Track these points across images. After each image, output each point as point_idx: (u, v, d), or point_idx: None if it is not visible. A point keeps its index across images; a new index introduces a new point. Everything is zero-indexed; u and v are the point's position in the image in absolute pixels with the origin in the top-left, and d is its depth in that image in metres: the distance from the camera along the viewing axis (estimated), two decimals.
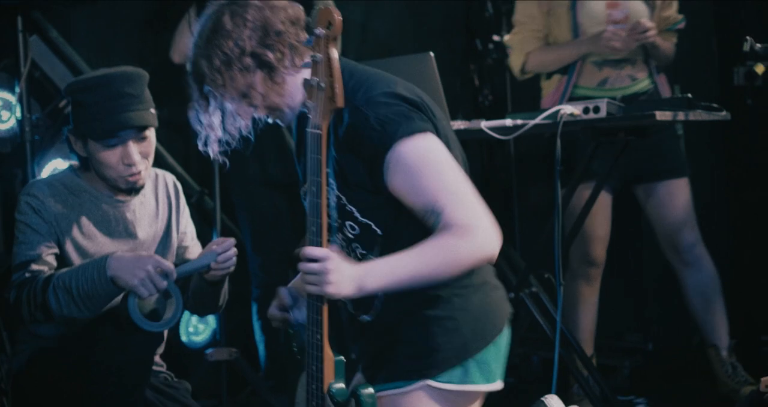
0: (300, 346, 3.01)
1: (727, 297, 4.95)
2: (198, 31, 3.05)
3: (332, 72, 2.84)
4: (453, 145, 3.01)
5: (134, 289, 3.30)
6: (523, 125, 4.38)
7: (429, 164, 2.88)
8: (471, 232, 2.83)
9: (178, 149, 5.72)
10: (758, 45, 3.23)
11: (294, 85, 3.00)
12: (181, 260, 3.71)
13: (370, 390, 2.89)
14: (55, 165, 4.96)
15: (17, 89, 4.77)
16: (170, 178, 3.78)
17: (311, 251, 2.83)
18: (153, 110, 3.55)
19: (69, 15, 5.58)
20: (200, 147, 3.09)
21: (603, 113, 4.31)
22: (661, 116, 4.24)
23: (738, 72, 3.66)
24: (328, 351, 2.90)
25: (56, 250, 3.48)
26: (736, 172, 5.66)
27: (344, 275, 2.81)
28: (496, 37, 6.29)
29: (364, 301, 2.99)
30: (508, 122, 4.45)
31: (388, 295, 2.98)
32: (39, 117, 4.93)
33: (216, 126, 3.04)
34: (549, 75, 5.05)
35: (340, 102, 2.84)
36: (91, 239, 3.53)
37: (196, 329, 5.52)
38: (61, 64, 5.23)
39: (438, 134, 2.94)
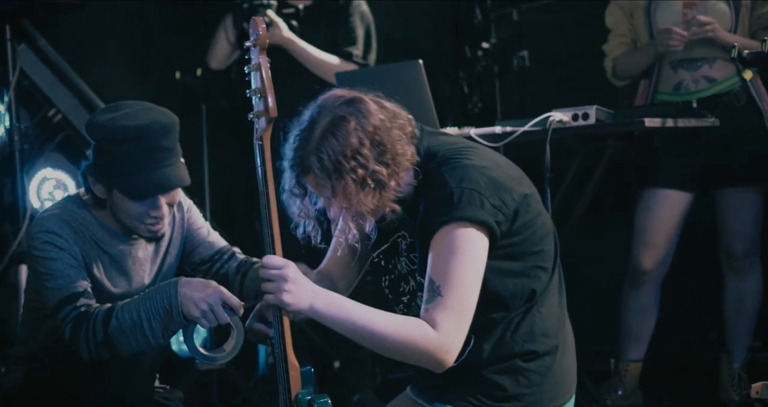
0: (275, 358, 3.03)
1: None
2: (310, 119, 2.96)
3: (264, 81, 2.89)
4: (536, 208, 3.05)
5: (196, 320, 3.23)
6: (512, 132, 4.38)
7: (463, 255, 2.88)
8: (441, 346, 2.86)
9: None
10: (746, 51, 3.23)
11: (392, 198, 2.98)
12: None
13: (326, 400, 2.92)
14: (45, 174, 4.95)
15: (6, 98, 4.75)
16: None
17: (271, 259, 2.87)
18: (182, 160, 3.40)
19: (58, 23, 5.58)
20: (296, 232, 3.06)
21: (592, 120, 4.31)
22: (650, 122, 4.24)
23: None
24: (293, 360, 2.94)
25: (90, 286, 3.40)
26: None
27: (302, 286, 2.85)
28: (485, 44, 6.29)
29: None
30: (498, 129, 4.45)
31: (482, 339, 3.03)
32: (28, 126, 4.90)
33: (311, 213, 3.02)
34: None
35: (273, 112, 2.88)
36: (109, 279, 3.45)
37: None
38: (50, 73, 5.21)
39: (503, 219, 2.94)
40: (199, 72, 5.40)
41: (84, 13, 5.25)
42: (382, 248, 3.19)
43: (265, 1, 5.15)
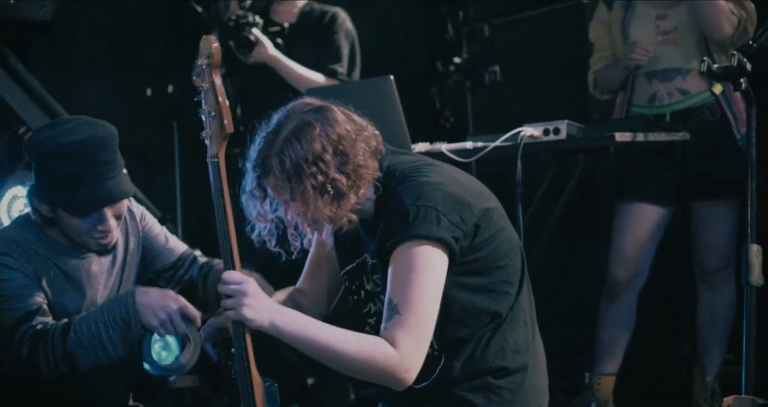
0: (235, 373, 3.03)
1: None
2: (276, 123, 2.97)
3: (218, 100, 2.92)
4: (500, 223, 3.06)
5: (154, 330, 3.24)
6: (483, 148, 4.39)
7: (420, 273, 2.88)
8: (401, 364, 2.86)
9: (141, 175, 5.71)
10: (715, 66, 3.24)
11: (351, 209, 2.98)
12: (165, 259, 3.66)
13: None
14: (15, 193, 4.92)
15: None
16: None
17: (230, 274, 2.89)
18: (125, 171, 3.38)
19: (29, 41, 5.56)
20: (250, 233, 3.05)
21: (563, 135, 4.32)
22: (621, 137, 4.26)
23: None
24: (256, 376, 2.96)
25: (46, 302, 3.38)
26: None
27: (262, 302, 2.87)
28: (456, 59, 6.30)
29: (422, 371, 2.95)
30: (469, 144, 4.46)
31: (452, 358, 3.03)
32: None
33: (269, 216, 3.01)
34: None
35: (229, 128, 2.91)
36: (63, 294, 3.42)
37: (160, 356, 5.48)
38: (21, 90, 5.19)
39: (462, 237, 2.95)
40: (170, 89, 5.39)
41: (55, 30, 5.25)
42: (347, 268, 3.19)
43: (250, 19, 5.16)
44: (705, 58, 3.29)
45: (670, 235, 4.97)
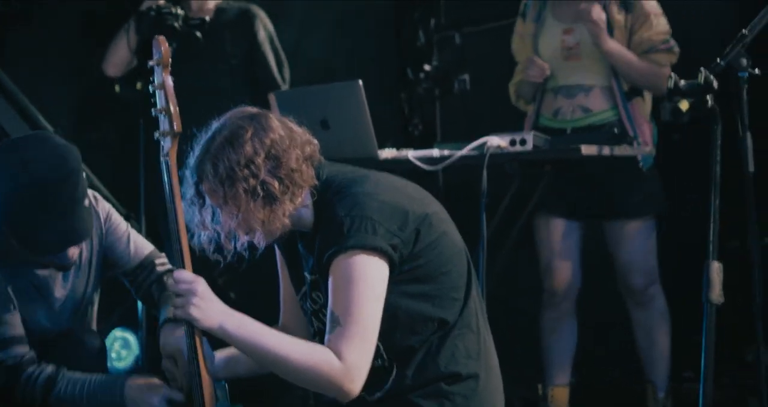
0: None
1: None
2: (213, 130, 3.01)
3: (168, 99, 2.98)
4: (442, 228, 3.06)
5: None
6: (449, 156, 4.38)
7: (358, 283, 2.89)
8: (346, 374, 2.86)
9: (106, 171, 5.68)
10: (682, 82, 3.25)
11: (285, 215, 3.00)
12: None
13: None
14: None
15: None
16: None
17: (181, 274, 2.92)
18: (86, 202, 3.34)
19: (1, 36, 5.54)
20: (190, 240, 3.05)
21: (530, 146, 4.32)
22: (587, 150, 4.26)
23: (665, 108, 3.69)
24: (206, 376, 2.98)
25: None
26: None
27: (211, 303, 2.88)
28: (427, 67, 6.30)
29: (375, 382, 2.99)
30: (435, 152, 4.46)
31: (404, 367, 3.04)
32: None
33: (208, 224, 3.02)
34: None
35: (177, 127, 2.97)
36: (32, 302, 3.42)
37: (119, 355, 5.46)
38: None
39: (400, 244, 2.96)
40: (139, 86, 5.36)
41: (24, 24, 5.22)
42: (301, 291, 3.21)
43: (173, 10, 5.13)
44: (672, 73, 3.29)
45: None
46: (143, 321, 5.25)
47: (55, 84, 5.76)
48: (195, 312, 2.87)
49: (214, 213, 3.01)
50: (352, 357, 2.85)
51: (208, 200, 2.99)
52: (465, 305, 3.08)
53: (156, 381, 3.33)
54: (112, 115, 5.90)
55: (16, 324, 3.34)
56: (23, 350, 3.34)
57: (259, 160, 2.93)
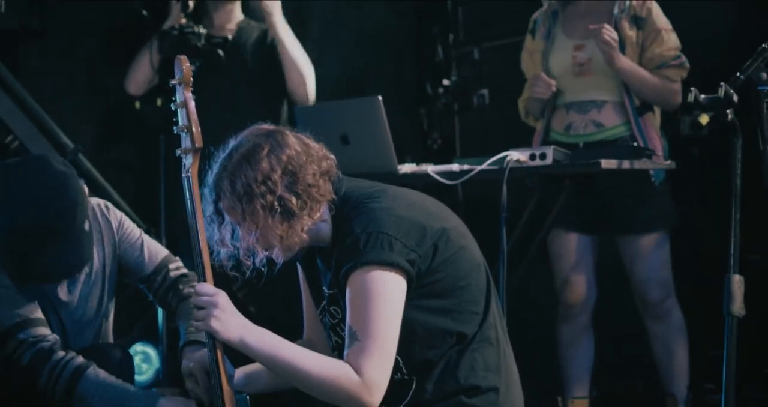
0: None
1: None
2: (231, 148, 3.05)
3: (189, 116, 3.02)
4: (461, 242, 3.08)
5: None
6: (469, 171, 4.39)
7: (374, 299, 2.91)
8: (365, 388, 2.88)
9: (126, 187, 5.70)
10: (702, 96, 3.26)
11: (303, 230, 3.02)
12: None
13: None
14: None
15: None
16: (96, 206, 3.62)
17: (203, 287, 2.95)
18: (86, 225, 3.37)
19: (18, 49, 5.56)
20: (211, 258, 3.08)
21: (549, 160, 4.33)
22: (606, 164, 4.26)
23: (684, 122, 3.69)
24: (227, 388, 3.00)
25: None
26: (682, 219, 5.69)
27: (231, 316, 2.92)
28: (446, 82, 6.32)
29: (395, 395, 3.01)
30: (455, 167, 4.47)
31: (424, 380, 3.05)
32: None
33: (227, 242, 3.05)
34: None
35: (198, 142, 3.00)
36: (49, 315, 3.44)
37: (140, 368, 5.47)
38: (9, 99, 5.19)
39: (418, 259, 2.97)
40: (159, 102, 5.38)
41: (45, 40, 5.24)
42: (320, 306, 3.23)
43: (196, 30, 5.16)
44: (692, 88, 3.30)
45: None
46: (163, 335, 5.26)
47: (76, 101, 5.78)
48: (216, 325, 2.90)
49: (233, 230, 3.03)
50: (371, 371, 2.87)
51: (227, 218, 3.02)
52: (484, 318, 3.09)
53: (191, 402, 3.33)
54: (133, 132, 5.92)
55: (36, 310, 3.36)
56: (46, 331, 3.35)
57: (276, 176, 2.96)
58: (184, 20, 5.24)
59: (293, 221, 2.98)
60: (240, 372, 3.27)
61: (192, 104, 3.03)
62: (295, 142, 3.04)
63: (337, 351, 3.14)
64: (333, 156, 3.12)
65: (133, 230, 3.66)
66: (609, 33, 4.70)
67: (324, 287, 3.15)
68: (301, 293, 3.38)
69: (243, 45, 5.37)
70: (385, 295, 2.92)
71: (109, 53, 5.84)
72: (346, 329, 2.93)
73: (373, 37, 6.48)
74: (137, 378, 5.44)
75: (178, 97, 3.04)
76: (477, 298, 3.09)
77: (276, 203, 2.95)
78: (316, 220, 3.02)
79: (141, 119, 5.51)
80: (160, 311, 5.12)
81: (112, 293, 3.63)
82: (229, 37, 5.32)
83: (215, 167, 3.04)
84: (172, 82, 3.05)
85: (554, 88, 4.86)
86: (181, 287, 3.64)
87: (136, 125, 5.67)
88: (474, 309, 3.07)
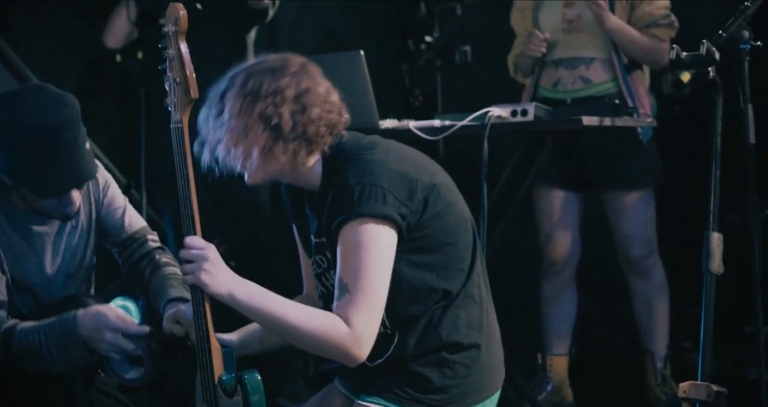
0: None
1: None
2: (263, 57, 3.06)
3: (184, 66, 2.97)
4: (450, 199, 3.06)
5: (107, 354, 3.25)
6: (451, 126, 4.39)
7: (367, 250, 2.90)
8: (353, 340, 2.87)
9: (105, 142, 5.68)
10: (684, 53, 3.26)
11: (281, 160, 3.01)
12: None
13: (256, 375, 2.99)
14: None
15: None
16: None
17: (192, 240, 2.93)
18: (87, 146, 3.35)
19: (5, 13, 5.53)
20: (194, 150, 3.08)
21: (531, 117, 4.33)
22: (588, 121, 4.27)
23: (666, 80, 3.69)
24: (215, 342, 2.99)
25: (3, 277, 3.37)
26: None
27: (221, 270, 2.90)
28: (428, 38, 6.29)
29: (377, 348, 2.99)
30: (437, 122, 4.47)
31: (406, 334, 3.05)
32: None
33: (213, 136, 3.03)
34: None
35: (194, 93, 2.96)
36: (25, 262, 3.41)
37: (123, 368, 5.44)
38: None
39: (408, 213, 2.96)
40: (140, 55, 5.35)
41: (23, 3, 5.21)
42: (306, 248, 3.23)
43: None
44: (674, 45, 3.30)
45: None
46: None
47: (56, 57, 5.75)
48: (206, 278, 2.88)
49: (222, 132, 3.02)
50: (360, 323, 2.87)
51: (225, 114, 3.00)
52: (469, 276, 3.09)
53: (104, 312, 3.26)
54: (113, 86, 5.89)
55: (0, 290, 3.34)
56: (2, 313, 3.34)
57: (288, 95, 2.96)
58: None
59: (277, 145, 2.97)
60: (230, 336, 3.26)
61: (188, 54, 2.98)
62: (322, 83, 3.04)
63: (323, 300, 3.14)
64: (348, 116, 3.10)
65: (118, 194, 3.66)
66: None
67: (311, 236, 3.15)
68: (293, 256, 3.38)
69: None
70: (377, 248, 2.91)
71: (88, 7, 5.80)
72: (336, 280, 2.93)
73: None
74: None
75: (172, 47, 2.98)
76: (463, 255, 3.09)
77: (273, 118, 2.95)
78: (298, 163, 3.01)
79: (122, 72, 5.48)
80: None
81: (95, 249, 3.62)
82: None
83: (241, 64, 3.06)
84: (165, 29, 2.98)
85: (545, 47, 4.85)
86: (157, 257, 3.62)
87: (116, 79, 5.64)
88: (460, 265, 3.07)
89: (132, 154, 5.42)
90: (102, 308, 3.28)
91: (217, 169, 3.05)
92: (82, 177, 3.34)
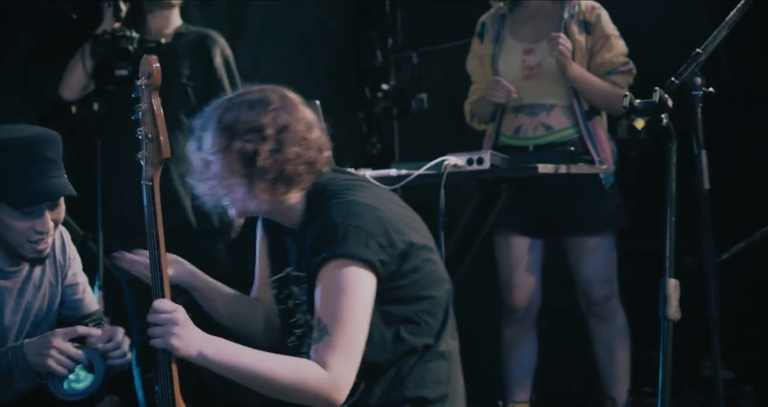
0: (158, 398, 3.01)
1: None
2: (244, 90, 3.08)
3: (156, 122, 2.91)
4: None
5: (52, 370, 3.18)
6: (407, 175, 4.39)
7: (348, 292, 2.90)
8: (331, 385, 2.87)
9: None
10: (637, 101, 3.28)
11: (260, 196, 3.03)
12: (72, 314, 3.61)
13: None
14: None
15: None
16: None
17: (161, 303, 2.86)
18: (65, 177, 3.36)
19: None
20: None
21: (487, 165, 4.34)
22: (543, 169, 4.28)
23: (621, 126, 3.73)
24: (180, 403, 2.93)
25: None
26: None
27: (191, 332, 2.84)
28: (384, 86, 6.32)
29: None
30: (393, 171, 4.47)
31: (372, 383, 3.04)
32: None
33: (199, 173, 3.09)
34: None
35: (166, 152, 2.91)
36: None
37: (78, 376, 5.41)
38: None
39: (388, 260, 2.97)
40: (96, 107, 5.34)
41: None
42: (276, 276, 3.22)
43: (127, 34, 5.13)
44: (627, 93, 3.32)
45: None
46: None
47: (9, 105, 5.72)
48: (176, 342, 2.82)
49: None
50: (339, 367, 2.86)
51: (205, 150, 3.03)
52: (440, 332, 3.10)
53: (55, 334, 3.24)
54: (68, 137, 5.86)
55: None
56: None
57: (267, 133, 2.97)
58: (117, 25, 5.20)
59: (256, 182, 2.98)
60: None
61: (160, 111, 2.92)
62: (302, 119, 3.05)
63: (302, 328, 3.14)
64: (329, 153, 3.11)
65: (81, 272, 3.66)
66: (564, 42, 4.73)
67: (290, 267, 3.15)
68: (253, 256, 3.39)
69: (178, 50, 5.33)
70: (358, 292, 2.91)
71: (42, 57, 5.77)
72: (315, 321, 2.91)
73: (311, 41, 6.47)
74: (75, 385, 5.38)
75: (145, 101, 2.93)
76: (436, 311, 3.10)
77: (252, 155, 2.96)
78: (279, 198, 3.02)
79: (77, 123, 5.46)
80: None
81: (54, 315, 3.58)
82: (163, 41, 5.28)
83: (220, 99, 3.07)
84: (138, 82, 2.93)
85: (515, 95, 4.87)
86: None
87: (70, 130, 5.61)
88: (431, 321, 3.08)
89: (87, 205, 5.38)
90: (51, 332, 3.24)
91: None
92: (60, 190, 3.32)
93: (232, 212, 3.09)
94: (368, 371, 3.02)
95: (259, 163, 2.95)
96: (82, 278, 3.65)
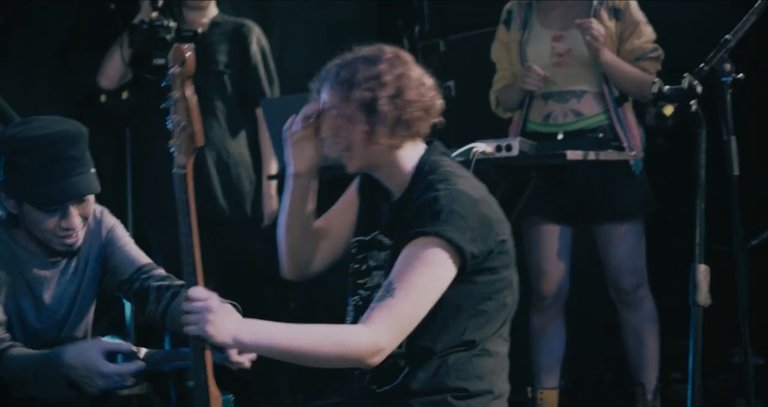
0: (193, 384, 3.02)
1: None
2: (360, 51, 3.16)
3: (190, 111, 2.90)
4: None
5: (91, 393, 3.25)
6: None
7: (428, 267, 2.93)
8: (371, 347, 2.88)
9: None
10: (666, 87, 3.27)
11: (383, 144, 3.09)
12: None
13: None
14: None
15: None
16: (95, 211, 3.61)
17: (195, 291, 2.87)
18: (93, 170, 3.39)
19: None
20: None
21: (515, 152, 4.34)
22: (572, 155, 4.28)
23: (649, 113, 3.72)
24: (214, 390, 2.94)
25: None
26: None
27: (225, 318, 2.85)
28: None
29: (386, 374, 3.03)
30: None
31: (418, 367, 3.05)
32: None
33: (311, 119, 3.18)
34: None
35: (200, 140, 2.91)
36: (22, 298, 3.42)
37: None
38: None
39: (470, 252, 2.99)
40: (125, 95, 5.38)
41: (7, 36, 5.21)
42: (360, 238, 3.24)
43: (165, 23, 5.16)
44: (656, 79, 3.32)
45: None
46: (132, 329, 5.25)
47: (42, 94, 5.76)
48: (210, 329, 2.82)
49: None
50: (384, 332, 2.89)
51: (325, 105, 3.13)
52: (497, 332, 3.13)
53: (90, 349, 3.27)
54: (98, 125, 5.90)
55: None
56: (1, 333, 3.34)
57: (384, 81, 3.04)
58: (154, 14, 5.24)
59: (377, 129, 3.05)
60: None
61: (194, 99, 2.91)
62: (415, 68, 3.14)
63: (370, 291, 3.15)
64: (443, 101, 3.23)
65: (124, 235, 3.67)
66: (597, 28, 4.73)
67: (377, 233, 3.19)
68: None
69: (215, 39, 5.37)
70: (438, 271, 2.94)
71: (76, 47, 5.81)
72: (386, 281, 2.95)
73: (337, 31, 6.47)
74: None
75: (177, 89, 2.90)
76: (500, 313, 3.13)
77: (371, 102, 3.03)
78: (398, 146, 3.10)
79: (106, 112, 5.49)
80: (127, 305, 5.10)
81: (93, 294, 3.61)
82: (200, 30, 5.32)
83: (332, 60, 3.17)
84: (171, 71, 2.92)
85: (542, 83, 4.87)
86: (177, 282, 3.62)
87: (101, 119, 5.65)
88: (492, 322, 3.11)
89: (118, 195, 5.42)
90: (93, 351, 3.25)
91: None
92: (83, 189, 3.34)
93: (349, 166, 3.14)
94: (419, 356, 3.05)
95: (381, 109, 3.02)
96: (125, 239, 3.65)
